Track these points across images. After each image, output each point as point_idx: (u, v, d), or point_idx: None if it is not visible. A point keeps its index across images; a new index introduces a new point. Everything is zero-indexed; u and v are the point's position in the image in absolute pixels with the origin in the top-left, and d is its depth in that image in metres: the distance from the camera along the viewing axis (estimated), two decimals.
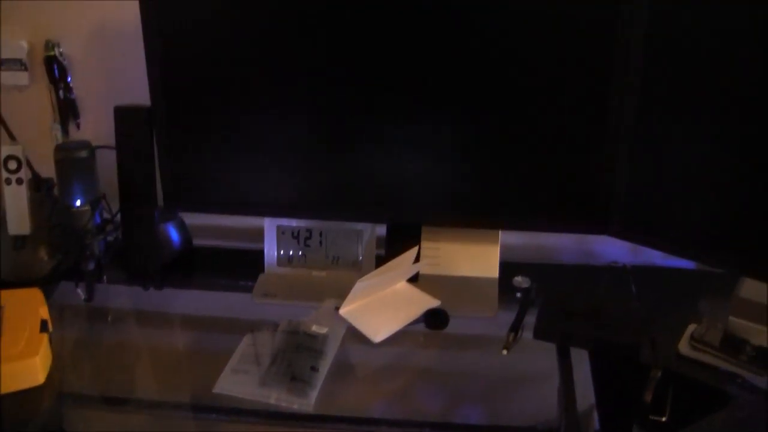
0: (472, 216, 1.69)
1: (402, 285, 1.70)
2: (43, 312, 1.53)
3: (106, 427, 1.37)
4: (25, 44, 1.90)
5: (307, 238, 1.76)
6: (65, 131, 1.98)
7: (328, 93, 1.60)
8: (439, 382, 1.49)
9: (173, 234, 1.84)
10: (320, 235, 1.76)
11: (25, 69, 1.92)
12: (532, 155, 1.61)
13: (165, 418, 1.39)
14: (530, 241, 1.92)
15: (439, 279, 1.76)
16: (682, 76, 1.46)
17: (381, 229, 1.78)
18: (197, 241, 1.91)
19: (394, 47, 1.55)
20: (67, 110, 1.96)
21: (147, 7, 1.56)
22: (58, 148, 1.78)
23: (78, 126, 1.99)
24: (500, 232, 1.76)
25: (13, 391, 1.39)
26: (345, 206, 1.70)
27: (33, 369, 1.43)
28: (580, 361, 1.55)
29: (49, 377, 1.45)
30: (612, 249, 1.89)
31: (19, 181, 1.70)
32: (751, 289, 1.54)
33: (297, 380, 1.43)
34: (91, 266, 1.80)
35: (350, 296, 1.58)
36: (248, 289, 1.73)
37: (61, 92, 1.94)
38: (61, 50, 1.91)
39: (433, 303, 1.66)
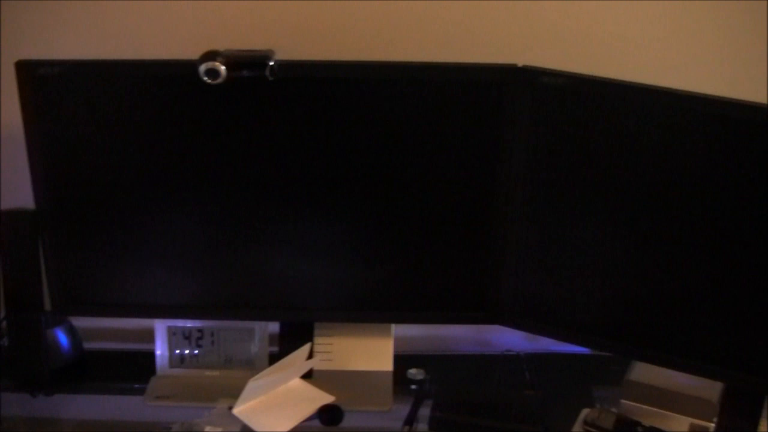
0: (363, 311, 1.71)
1: (296, 382, 1.71)
2: None
3: None
4: None
5: (198, 338, 1.76)
6: None
7: (216, 195, 1.61)
8: None
9: (62, 339, 1.82)
10: (212, 334, 1.75)
11: None
12: (420, 250, 1.64)
13: None
14: (426, 332, 1.94)
15: (333, 374, 1.76)
16: (567, 168, 1.51)
17: (274, 326, 1.78)
18: (88, 344, 1.88)
19: (282, 152, 1.58)
20: None
21: (29, 111, 1.56)
22: None
23: None
24: (393, 325, 1.77)
25: None
26: (236, 305, 1.70)
27: None
28: None
29: None
30: (508, 337, 1.90)
31: None
32: (641, 371, 1.60)
33: None
34: None
35: (243, 395, 1.58)
36: (141, 392, 1.72)
37: None
38: None
39: (327, 399, 1.66)
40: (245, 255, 1.65)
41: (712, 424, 1.56)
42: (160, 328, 1.75)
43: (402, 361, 1.79)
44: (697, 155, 1.40)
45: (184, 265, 1.67)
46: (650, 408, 1.60)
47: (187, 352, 1.77)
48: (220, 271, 1.67)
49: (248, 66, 1.45)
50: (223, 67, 1.41)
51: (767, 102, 1.33)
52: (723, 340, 1.49)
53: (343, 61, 1.52)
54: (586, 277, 1.57)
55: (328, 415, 1.64)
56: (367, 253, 1.65)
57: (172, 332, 1.76)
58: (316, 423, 1.64)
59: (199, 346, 1.77)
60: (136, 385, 1.75)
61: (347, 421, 1.65)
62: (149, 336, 1.78)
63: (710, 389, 1.58)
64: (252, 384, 1.57)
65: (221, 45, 1.45)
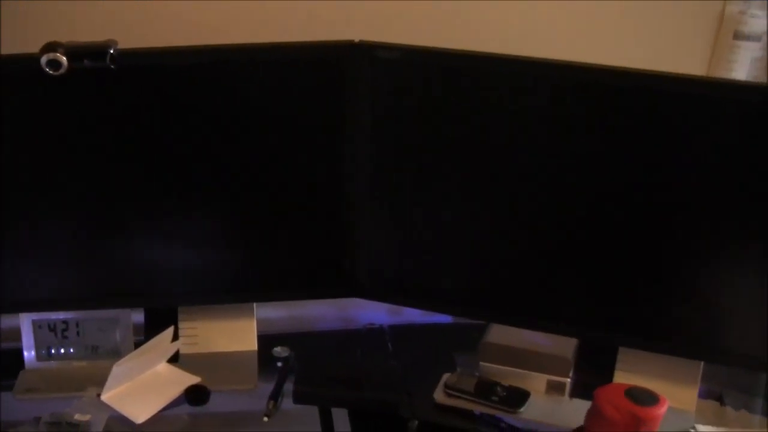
0: (224, 292, 1.77)
1: (162, 366, 1.75)
2: None
3: None
4: None
5: (64, 330, 1.78)
6: None
7: (74, 186, 1.65)
8: None
9: None
10: (77, 325, 1.78)
11: None
12: (275, 230, 1.70)
13: None
14: (290, 312, 2.00)
15: (199, 357, 1.81)
16: (410, 133, 1.59)
17: (140, 317, 1.82)
18: None
19: (133, 141, 1.62)
20: None
21: None
22: None
23: None
24: (255, 304, 1.83)
25: None
26: (99, 295, 1.74)
27: None
28: (342, 421, 1.64)
29: None
30: (371, 312, 1.97)
31: None
32: (498, 333, 1.68)
33: None
34: None
35: (110, 381, 1.63)
36: (11, 388, 1.74)
37: None
38: None
39: (192, 380, 1.71)
40: (105, 244, 1.69)
41: (569, 379, 1.65)
42: (26, 322, 1.77)
43: (267, 341, 1.85)
44: (529, 114, 1.49)
45: (46, 257, 1.70)
46: (509, 368, 1.69)
47: (53, 344, 1.80)
48: (82, 262, 1.71)
49: (88, 55, 1.48)
50: (63, 58, 1.45)
51: None
52: (575, 298, 1.58)
53: (182, 47, 1.56)
54: (439, 246, 1.65)
55: (195, 395, 1.69)
56: (224, 236, 1.70)
57: (37, 325, 1.78)
58: (186, 406, 1.69)
59: (65, 338, 1.79)
60: (6, 382, 1.77)
61: (215, 401, 1.70)
62: (16, 335, 1.80)
63: (566, 346, 1.66)
64: (117, 369, 1.61)
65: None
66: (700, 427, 1.56)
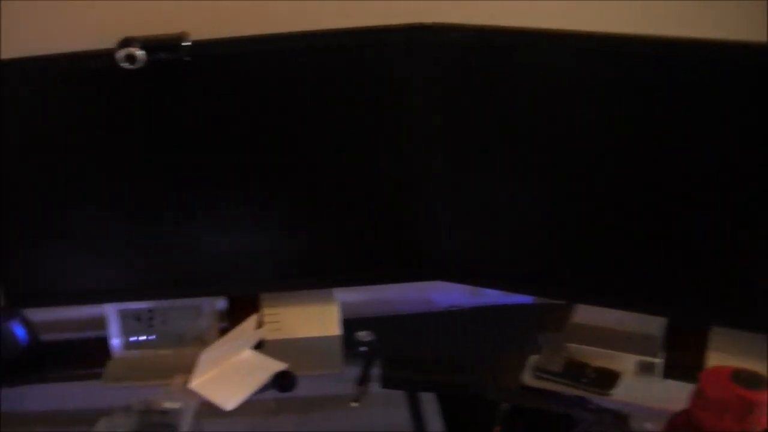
0: (305, 278, 1.78)
1: (248, 353, 1.77)
2: None
3: None
4: None
5: (149, 319, 1.80)
6: None
7: (151, 176, 1.66)
8: None
9: (18, 332, 1.86)
10: (162, 314, 1.80)
11: None
12: (354, 214, 1.70)
13: None
14: (370, 296, 2.00)
15: (283, 343, 1.83)
16: (478, 116, 1.57)
17: (223, 303, 1.85)
18: (45, 337, 1.93)
19: (209, 130, 1.63)
20: None
21: None
22: None
23: None
24: (337, 289, 1.84)
25: None
26: (182, 284, 1.76)
27: None
28: (431, 405, 1.64)
29: None
30: (452, 294, 1.98)
31: None
32: (585, 314, 1.67)
33: None
34: None
35: (198, 369, 1.65)
36: (99, 376, 1.77)
37: None
38: None
39: (279, 366, 1.72)
40: (187, 234, 1.71)
41: (659, 360, 1.62)
42: (112, 311, 1.80)
43: (350, 325, 1.86)
44: (601, 94, 1.46)
45: (129, 248, 1.72)
46: (596, 349, 1.66)
47: (139, 333, 1.82)
48: (164, 252, 1.73)
49: (164, 48, 1.51)
50: (140, 52, 1.48)
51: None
52: (663, 275, 1.55)
53: (255, 35, 1.56)
54: (520, 226, 1.63)
55: (282, 381, 1.70)
56: (303, 221, 1.71)
57: (123, 315, 1.80)
58: (273, 392, 1.70)
59: (150, 327, 1.81)
60: (94, 371, 1.80)
61: (301, 387, 1.71)
62: (103, 324, 1.83)
63: (654, 325, 1.65)
64: (204, 356, 1.64)
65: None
66: None
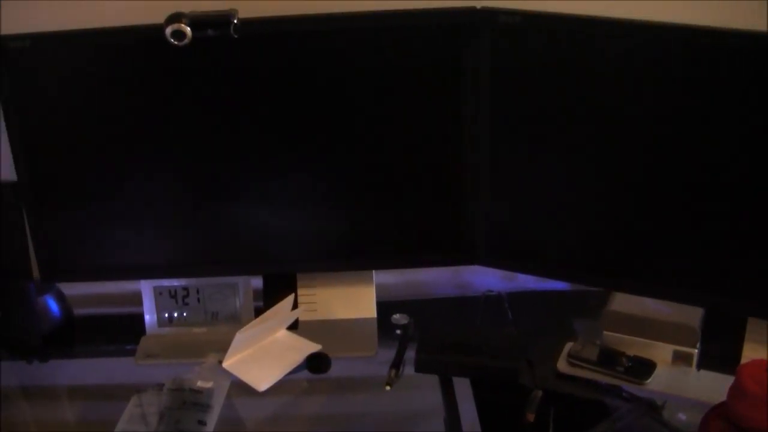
0: (343, 259, 1.78)
1: (282, 333, 1.78)
2: None
3: None
4: None
5: (184, 296, 1.82)
6: None
7: (191, 154, 1.68)
8: (327, 425, 1.59)
9: (52, 305, 1.89)
10: (197, 292, 1.82)
11: None
12: (394, 195, 1.71)
13: None
14: (407, 279, 2.01)
15: (318, 324, 1.83)
16: (530, 101, 1.57)
17: (259, 283, 1.85)
18: (78, 311, 1.96)
19: (253, 108, 1.64)
20: None
21: (4, 84, 1.62)
22: None
23: None
24: (374, 272, 1.84)
25: None
26: (218, 262, 1.77)
27: None
28: (464, 390, 1.65)
29: None
30: (486, 279, 1.98)
31: None
32: (622, 302, 1.66)
33: None
34: None
35: (231, 349, 1.65)
36: (132, 353, 1.79)
37: None
38: None
39: (313, 348, 1.73)
40: (224, 211, 1.72)
41: (696, 350, 1.62)
42: (147, 288, 1.82)
43: (385, 308, 1.87)
44: (659, 84, 1.46)
45: (166, 225, 1.74)
46: (633, 338, 1.66)
47: (174, 310, 1.84)
48: (202, 229, 1.74)
49: (213, 25, 1.51)
50: (188, 28, 1.48)
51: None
52: (701, 265, 1.55)
53: (304, 15, 1.57)
54: (560, 212, 1.63)
55: (316, 363, 1.71)
56: (342, 202, 1.72)
57: (158, 292, 1.82)
58: (306, 373, 1.71)
59: (185, 304, 1.83)
60: (127, 347, 1.82)
61: (335, 368, 1.71)
62: (137, 300, 1.84)
63: (692, 315, 1.63)
64: (239, 336, 1.64)
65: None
66: None
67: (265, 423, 1.61)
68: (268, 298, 1.82)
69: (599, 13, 1.47)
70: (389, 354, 1.73)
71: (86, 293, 1.99)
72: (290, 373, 1.69)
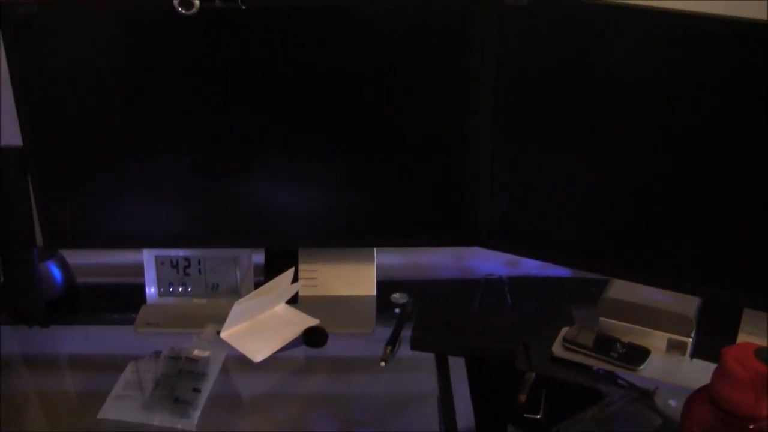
0: (345, 236, 1.80)
1: (281, 307, 1.80)
2: None
3: None
4: None
5: (186, 267, 1.84)
6: None
7: (198, 126, 1.70)
8: (322, 400, 1.61)
9: (55, 272, 1.91)
10: (198, 263, 1.84)
11: None
12: (398, 176, 1.73)
13: None
14: (408, 260, 2.04)
15: (317, 300, 1.86)
16: (536, 86, 1.59)
17: (261, 258, 1.88)
18: (81, 279, 1.98)
19: (259, 81, 1.65)
20: None
21: (11, 51, 1.64)
22: None
23: None
24: (375, 250, 1.86)
25: None
26: (222, 234, 1.79)
27: None
28: (458, 369, 1.67)
29: None
30: (489, 264, 2.00)
31: None
32: (619, 289, 1.68)
33: (180, 402, 1.53)
34: None
35: (229, 320, 1.68)
36: (132, 322, 1.82)
37: None
38: None
39: (311, 322, 1.75)
40: (229, 184, 1.74)
41: (690, 339, 1.64)
42: (149, 257, 1.84)
43: (385, 287, 1.89)
44: (661, 70, 1.47)
45: (170, 195, 1.76)
46: (629, 325, 1.68)
47: (174, 280, 1.86)
48: (205, 201, 1.76)
49: None
50: None
51: None
52: (700, 255, 1.56)
53: None
54: (562, 198, 1.65)
55: (313, 336, 1.73)
56: (347, 180, 1.74)
57: (160, 261, 1.84)
58: (302, 349, 1.74)
59: (186, 275, 1.85)
60: (127, 315, 1.85)
61: (331, 345, 1.74)
62: (138, 271, 1.87)
63: (688, 305, 1.65)
64: (237, 308, 1.66)
65: None
66: None
67: (260, 395, 1.64)
68: (269, 273, 1.84)
69: None
70: (386, 332, 1.75)
71: (89, 263, 2.02)
72: (287, 347, 1.71)
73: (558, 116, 1.58)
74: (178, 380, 1.58)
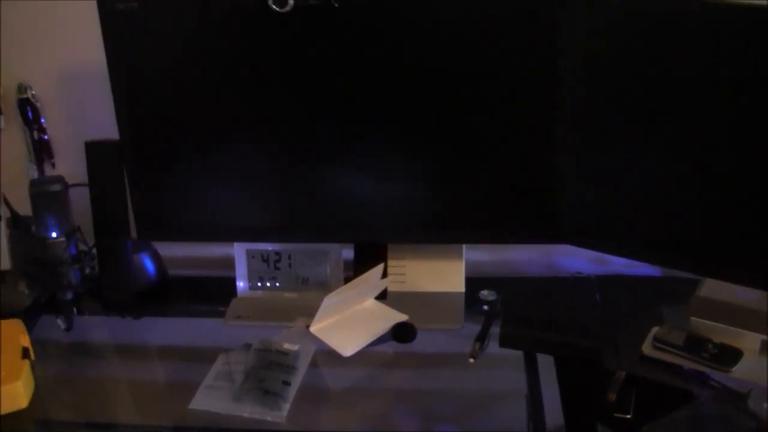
0: (435, 232, 1.80)
1: (370, 302, 1.81)
2: (24, 340, 1.63)
3: None
4: None
5: (276, 261, 1.86)
6: (41, 171, 2.07)
7: (290, 120, 1.71)
8: (409, 393, 1.62)
9: (147, 264, 1.94)
10: (289, 257, 1.86)
11: (0, 112, 2.02)
12: (488, 172, 1.72)
13: None
14: (496, 257, 2.03)
15: (406, 295, 1.86)
16: (626, 83, 1.57)
17: (350, 253, 1.89)
18: (172, 271, 2.01)
19: (352, 76, 1.67)
20: (42, 150, 2.06)
21: (111, 46, 1.67)
22: (32, 183, 1.86)
23: (53, 165, 2.09)
24: (464, 247, 1.86)
25: None
26: (312, 229, 1.80)
27: (16, 393, 1.53)
28: (547, 367, 1.66)
29: (32, 402, 1.56)
30: (576, 262, 1.98)
31: None
32: (711, 289, 1.65)
33: (269, 394, 1.55)
34: (69, 295, 1.89)
35: (319, 314, 1.69)
36: (222, 314, 1.84)
37: (35, 133, 2.04)
38: (33, 92, 2.00)
39: (400, 318, 1.75)
40: (319, 180, 1.75)
41: None
42: (240, 251, 1.86)
43: (473, 284, 1.88)
44: (744, 61, 1.45)
45: (261, 190, 1.78)
46: (721, 325, 1.64)
47: (265, 274, 1.88)
48: (296, 196, 1.78)
49: None
50: None
51: None
52: None
53: None
54: (651, 195, 1.63)
55: (402, 332, 1.74)
56: (436, 175, 1.74)
57: (251, 255, 1.86)
58: (391, 344, 1.74)
59: (276, 269, 1.87)
60: (218, 308, 1.87)
61: (420, 339, 1.74)
62: (229, 264, 1.89)
63: None
64: (327, 302, 1.67)
65: None
66: None
67: (348, 389, 1.65)
68: (357, 268, 1.85)
69: None
70: (475, 329, 1.74)
71: (180, 256, 2.05)
72: (376, 342, 1.72)
73: (646, 111, 1.57)
74: (267, 373, 1.59)
